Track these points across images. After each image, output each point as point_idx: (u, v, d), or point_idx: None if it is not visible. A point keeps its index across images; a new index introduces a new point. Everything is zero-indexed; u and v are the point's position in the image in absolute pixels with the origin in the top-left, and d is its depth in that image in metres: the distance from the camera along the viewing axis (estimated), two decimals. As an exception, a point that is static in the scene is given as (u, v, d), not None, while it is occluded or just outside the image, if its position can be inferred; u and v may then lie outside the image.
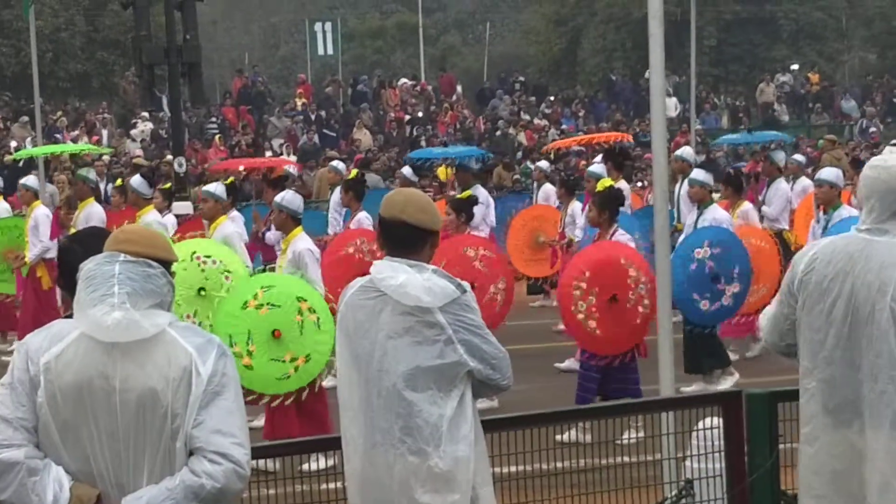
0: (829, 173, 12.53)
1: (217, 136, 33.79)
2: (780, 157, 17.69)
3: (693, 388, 11.55)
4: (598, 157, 17.82)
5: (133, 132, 34.49)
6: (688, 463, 6.51)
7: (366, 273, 5.36)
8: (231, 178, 15.28)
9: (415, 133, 36.41)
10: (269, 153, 32.74)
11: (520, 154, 34.54)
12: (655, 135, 7.84)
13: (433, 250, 5.36)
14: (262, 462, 6.22)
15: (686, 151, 16.65)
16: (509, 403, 9.54)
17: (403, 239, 5.26)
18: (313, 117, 37.29)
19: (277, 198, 11.07)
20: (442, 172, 26.97)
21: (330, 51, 49.81)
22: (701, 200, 12.53)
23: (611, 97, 43.80)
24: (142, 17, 23.40)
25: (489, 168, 24.56)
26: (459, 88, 43.99)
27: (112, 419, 4.21)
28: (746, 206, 13.94)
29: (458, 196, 13.08)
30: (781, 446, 6.11)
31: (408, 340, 5.14)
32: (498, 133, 37.04)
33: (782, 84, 44.65)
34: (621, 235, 10.73)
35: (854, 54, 57.10)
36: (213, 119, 36.52)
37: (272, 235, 14.86)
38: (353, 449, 5.25)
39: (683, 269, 11.19)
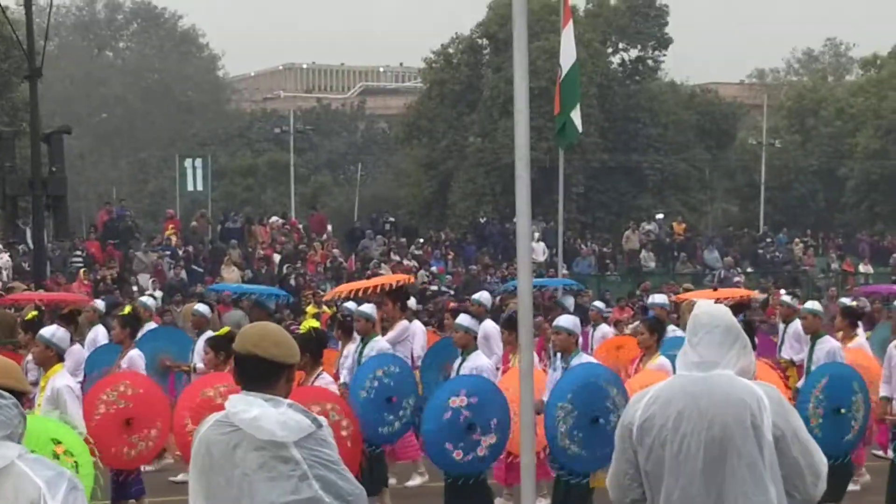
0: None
1: (81, 270, 33.27)
2: (569, 302, 17.97)
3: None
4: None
5: (-6, 264, 33.79)
6: None
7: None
8: (34, 312, 14.87)
9: (284, 271, 36.23)
10: (134, 288, 32.28)
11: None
12: (521, 277, 7.85)
13: (290, 384, 5.25)
14: None
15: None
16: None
17: (257, 373, 5.15)
18: (181, 253, 36.96)
19: (46, 332, 10.49)
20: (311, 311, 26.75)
21: (200, 187, 49.61)
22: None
23: (480, 240, 44.14)
24: (7, 149, 23.10)
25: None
26: (330, 227, 44.03)
27: None
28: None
29: (218, 334, 12.49)
30: None
31: (262, 476, 4.99)
32: (368, 273, 37.01)
33: (648, 232, 45.42)
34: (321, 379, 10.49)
35: (717, 205, 58.48)
36: (78, 252, 36.00)
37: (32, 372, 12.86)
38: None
39: (437, 418, 10.93)
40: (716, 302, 19.37)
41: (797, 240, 47.94)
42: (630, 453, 5.29)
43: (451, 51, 56.36)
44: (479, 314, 16.94)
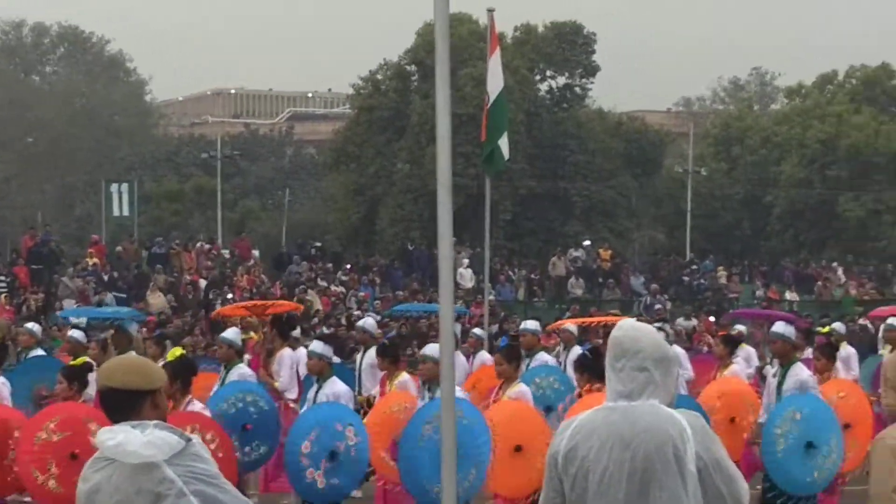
0: None
1: (3, 295, 32.90)
2: (455, 329, 17.98)
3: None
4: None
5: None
6: None
7: None
8: None
9: (210, 296, 36.02)
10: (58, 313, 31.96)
11: (316, 320, 34.41)
12: (443, 303, 7.82)
13: (157, 409, 5.17)
14: None
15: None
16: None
17: (118, 405, 5.12)
18: (106, 278, 36.63)
19: None
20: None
21: (126, 212, 49.25)
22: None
23: (407, 266, 44.12)
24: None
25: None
26: (256, 253, 43.83)
27: None
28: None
29: (72, 363, 12.15)
30: None
31: (140, 502, 4.94)
32: (294, 298, 36.88)
33: (575, 259, 45.60)
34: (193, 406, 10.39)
35: (644, 232, 58.82)
36: (2, 278, 35.60)
37: None
38: None
39: (296, 454, 10.98)
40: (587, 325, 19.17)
41: (722, 267, 48.34)
42: (556, 482, 5.24)
43: (379, 77, 56.40)
44: (365, 341, 17.02)
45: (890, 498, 5.25)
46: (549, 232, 54.55)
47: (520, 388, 11.88)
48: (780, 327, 12.45)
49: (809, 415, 11.33)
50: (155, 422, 5.05)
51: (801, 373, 11.90)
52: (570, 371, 13.71)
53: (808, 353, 15.83)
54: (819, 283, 46.86)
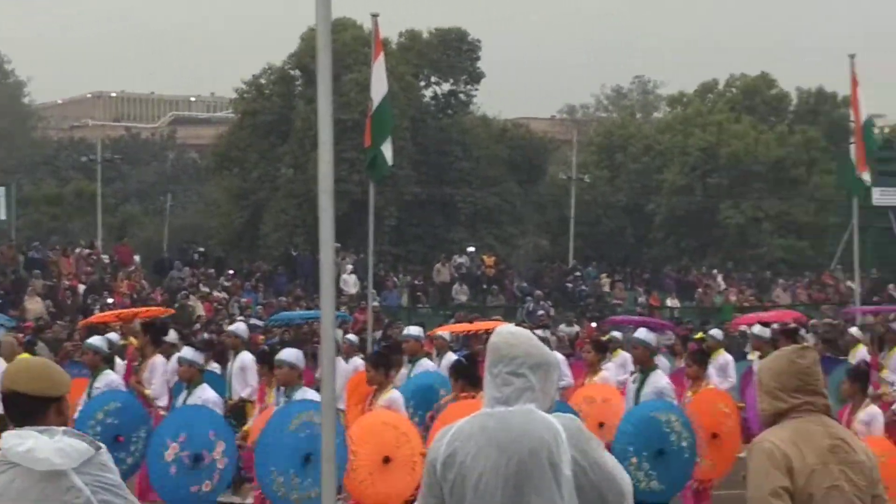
0: None
1: None
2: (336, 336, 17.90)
3: None
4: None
5: None
6: None
7: None
8: None
9: (89, 301, 35.46)
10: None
11: (198, 326, 34.04)
12: (324, 308, 7.74)
13: (61, 416, 5.11)
14: None
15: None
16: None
17: (23, 409, 5.05)
18: (-18, 283, 35.94)
19: None
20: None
21: (3, 216, 48.33)
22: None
23: (291, 272, 43.85)
24: None
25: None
26: (137, 258, 43.25)
27: None
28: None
29: None
30: None
31: None
32: (176, 304, 36.45)
33: (459, 265, 45.67)
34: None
35: (528, 239, 59.10)
36: None
37: None
38: None
39: (160, 464, 11.06)
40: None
41: (605, 274, 48.72)
42: (436, 489, 5.22)
43: (263, 81, 56.01)
44: (236, 346, 16.90)
45: (767, 501, 5.30)
46: (434, 238, 54.59)
47: (391, 396, 11.89)
48: (641, 334, 12.60)
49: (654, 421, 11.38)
50: (64, 428, 4.98)
51: (659, 380, 12.06)
52: None
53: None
54: (700, 290, 47.43)
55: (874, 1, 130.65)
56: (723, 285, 48.91)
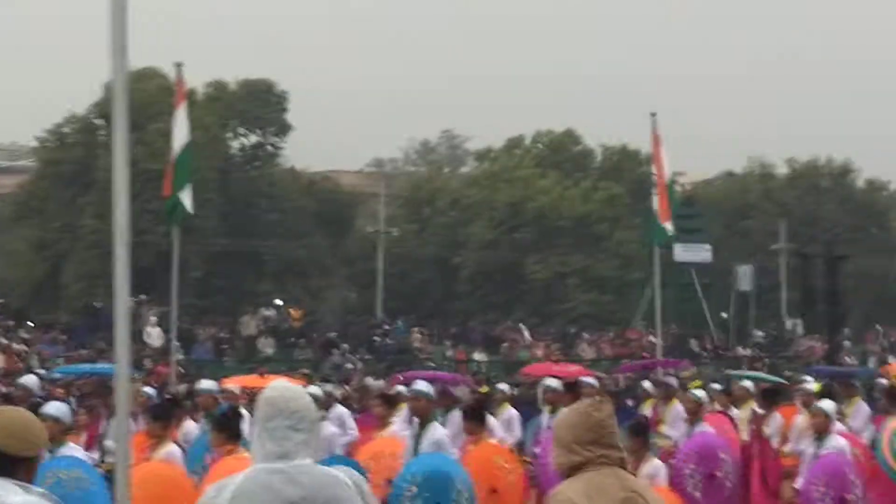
0: None
1: None
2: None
3: None
4: None
5: None
6: None
7: None
8: None
9: None
10: None
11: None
12: (119, 360, 7.56)
13: (29, 475, 4.92)
14: None
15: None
16: None
17: None
18: None
19: None
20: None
21: None
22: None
23: (93, 323, 42.95)
24: None
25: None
26: (-68, 310, 41.96)
27: None
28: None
29: None
30: None
31: None
32: (-29, 358, 35.43)
33: (266, 318, 45.33)
34: None
35: (336, 292, 58.97)
36: None
37: None
38: None
39: None
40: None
41: (416, 329, 48.79)
42: None
43: (65, 130, 54.98)
44: (24, 399, 16.51)
45: None
46: (241, 290, 54.12)
47: (168, 450, 11.74)
48: (420, 385, 12.64)
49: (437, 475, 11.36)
50: (40, 490, 4.83)
51: (436, 432, 12.10)
52: None
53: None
54: (506, 343, 47.83)
55: (674, 59, 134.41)
56: (529, 339, 49.40)
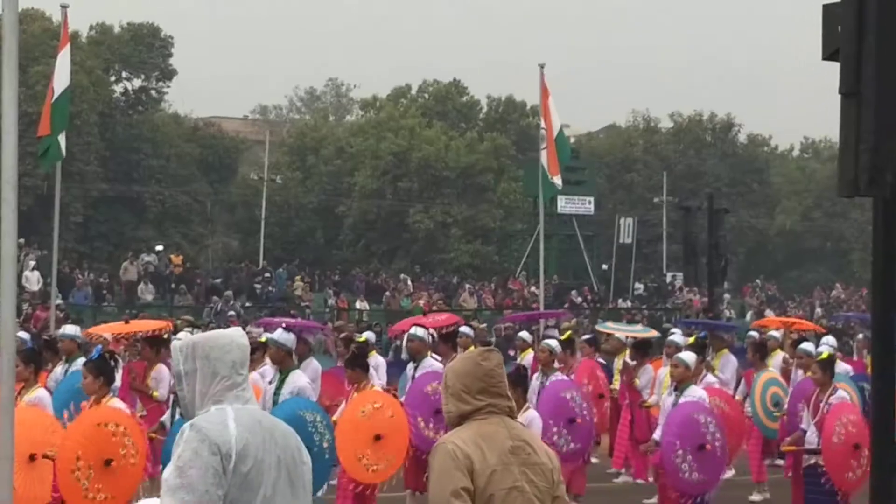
0: None
1: None
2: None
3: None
4: None
5: None
6: None
7: None
8: None
9: None
10: None
11: None
12: (5, 303, 7.49)
13: None
14: None
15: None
16: None
17: None
18: None
19: None
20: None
21: None
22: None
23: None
24: None
25: None
26: None
27: None
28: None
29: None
30: None
31: None
32: None
33: (146, 264, 44.88)
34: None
35: (217, 239, 58.58)
36: None
37: None
38: None
39: None
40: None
41: (298, 277, 48.63)
42: (224, 481, 5.08)
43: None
44: None
45: (448, 501, 5.35)
46: (121, 236, 53.53)
47: (37, 394, 11.79)
48: (277, 335, 12.73)
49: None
50: None
51: (298, 380, 12.22)
52: None
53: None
54: (388, 293, 47.92)
55: (562, 14, 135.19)
56: (411, 289, 49.54)
